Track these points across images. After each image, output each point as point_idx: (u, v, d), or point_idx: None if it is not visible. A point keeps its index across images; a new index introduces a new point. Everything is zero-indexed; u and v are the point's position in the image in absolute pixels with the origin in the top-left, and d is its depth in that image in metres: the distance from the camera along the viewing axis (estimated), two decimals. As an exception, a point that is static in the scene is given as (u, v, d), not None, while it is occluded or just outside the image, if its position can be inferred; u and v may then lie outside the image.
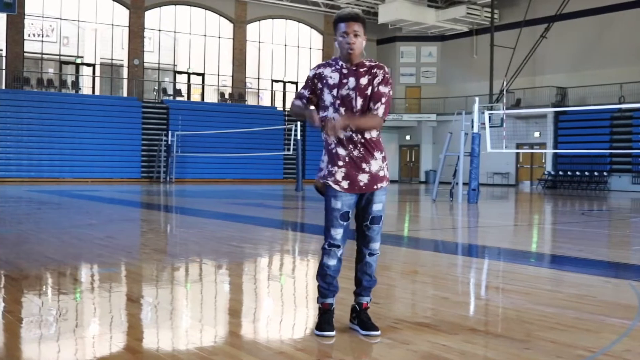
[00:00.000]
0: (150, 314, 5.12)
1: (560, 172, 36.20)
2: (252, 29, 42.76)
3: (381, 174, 4.36)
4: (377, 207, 4.39)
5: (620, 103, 33.48)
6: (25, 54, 35.98)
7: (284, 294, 6.06)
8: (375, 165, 4.34)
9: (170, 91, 40.47)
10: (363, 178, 4.31)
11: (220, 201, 20.29)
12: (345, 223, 4.34)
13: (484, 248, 10.01)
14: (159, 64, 40.48)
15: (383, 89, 4.28)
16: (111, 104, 36.60)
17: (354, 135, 4.27)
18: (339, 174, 4.29)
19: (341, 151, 4.30)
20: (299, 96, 4.47)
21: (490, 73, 38.33)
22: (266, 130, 36.39)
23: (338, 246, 4.35)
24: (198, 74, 41.68)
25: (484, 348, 4.17)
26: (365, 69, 4.31)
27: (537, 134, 38.21)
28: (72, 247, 8.80)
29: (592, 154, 34.16)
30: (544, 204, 22.44)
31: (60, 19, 37.33)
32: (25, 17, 35.60)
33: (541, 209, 20.17)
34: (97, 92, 38.66)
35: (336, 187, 4.30)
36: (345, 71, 4.30)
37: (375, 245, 4.46)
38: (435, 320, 4.85)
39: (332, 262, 4.37)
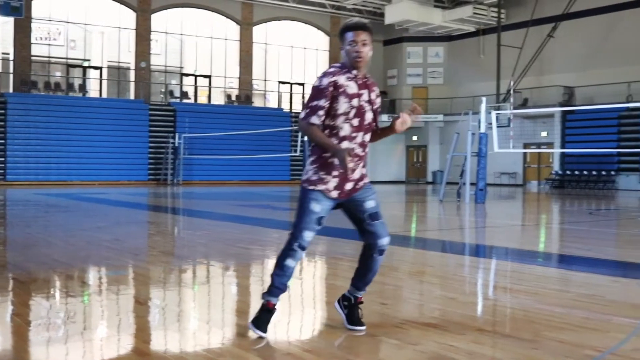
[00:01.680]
0: (158, 316, 5.13)
1: (568, 172, 36.09)
2: (258, 31, 42.79)
3: (361, 174, 4.39)
4: (369, 204, 4.37)
5: (628, 102, 33.33)
6: (32, 58, 36.07)
7: (291, 295, 6.06)
8: (359, 172, 4.36)
9: (177, 93, 40.51)
10: (349, 185, 4.32)
11: (227, 203, 20.31)
12: (318, 228, 4.33)
13: (492, 248, 10.00)
14: (165, 66, 40.55)
15: (379, 105, 4.41)
16: (118, 107, 36.66)
17: (358, 150, 4.29)
18: (332, 184, 4.26)
19: (337, 162, 4.22)
20: (314, 111, 4.20)
21: (497, 73, 38.27)
22: (273, 132, 36.34)
23: (305, 249, 4.34)
24: (205, 76, 41.73)
25: (491, 348, 4.16)
26: (371, 82, 4.37)
27: (544, 134, 38.12)
28: (80, 249, 8.83)
29: (600, 153, 34.05)
30: (551, 203, 22.40)
31: (67, 22, 37.43)
32: (33, 20, 35.68)
33: (549, 208, 20.12)
34: (104, 95, 38.72)
35: (326, 194, 4.27)
36: (359, 81, 4.28)
37: (385, 241, 4.39)
38: (443, 320, 4.85)
39: (294, 263, 4.34)
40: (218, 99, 42.35)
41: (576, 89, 37.33)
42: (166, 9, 39.54)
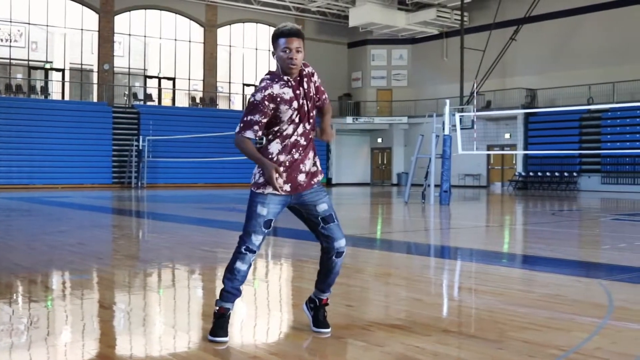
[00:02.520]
0: (123, 321, 5.09)
1: (531, 173, 36.49)
2: (222, 33, 42.67)
3: (314, 169, 4.40)
4: (322, 207, 4.36)
5: (589, 104, 33.86)
6: (-7, 60, 35.61)
7: (257, 298, 6.05)
8: (309, 163, 4.37)
9: (140, 96, 40.24)
10: (302, 177, 4.31)
11: (192, 206, 20.20)
12: (267, 231, 4.30)
13: (457, 249, 10.07)
14: (129, 68, 40.25)
15: (319, 81, 4.43)
16: (81, 109, 36.26)
17: (300, 139, 4.29)
18: (280, 180, 4.20)
19: (282, 157, 4.26)
20: (249, 126, 4.19)
21: (461, 75, 38.57)
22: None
23: (254, 252, 4.30)
24: (169, 79, 41.49)
25: (457, 349, 4.19)
26: (302, 75, 4.32)
27: (507, 136, 38.50)
28: (42, 254, 8.72)
29: (562, 155, 34.51)
30: (515, 204, 22.62)
31: (29, 23, 36.98)
32: (-7, 22, 35.24)
33: (512, 209, 20.32)
34: (66, 98, 38.32)
35: (276, 194, 4.25)
36: (293, 83, 4.26)
37: (341, 243, 4.38)
38: (409, 322, 4.87)
39: (245, 267, 4.31)
40: (182, 102, 42.13)
41: (538, 91, 37.77)
42: (129, 10, 39.26)
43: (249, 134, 4.20)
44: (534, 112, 35.65)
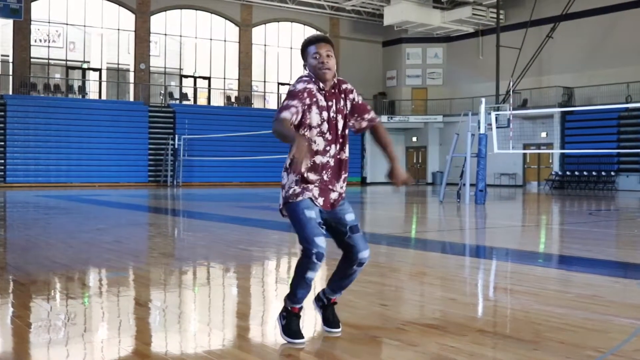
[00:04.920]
0: (159, 318, 5.13)
1: (568, 172, 36.11)
2: (257, 32, 42.82)
3: (342, 190, 4.32)
4: (350, 217, 4.28)
5: (627, 102, 33.39)
6: (32, 60, 36.13)
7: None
8: (340, 185, 4.29)
9: (176, 95, 40.55)
10: (334, 195, 4.26)
11: (227, 204, 20.30)
12: (324, 232, 4.20)
13: (492, 249, 10.00)
14: (165, 68, 40.58)
15: (360, 98, 4.31)
16: (118, 109, 36.68)
17: (330, 161, 4.21)
18: (315, 191, 4.18)
19: (313, 177, 4.19)
20: (287, 108, 4.07)
21: (497, 74, 38.29)
22: (273, 133, 36.22)
23: (323, 256, 4.11)
24: (204, 78, 41.75)
25: (492, 349, 4.16)
26: (339, 89, 4.24)
27: (544, 134, 38.14)
28: (80, 251, 8.82)
29: (600, 154, 34.07)
30: (551, 204, 22.39)
31: (67, 24, 37.45)
32: (32, 22, 35.73)
33: (549, 209, 20.12)
34: (103, 97, 38.77)
35: (313, 200, 4.18)
36: (327, 94, 4.19)
37: (365, 254, 4.28)
38: (444, 321, 4.84)
39: (314, 275, 4.18)
40: (217, 101, 42.37)
41: (575, 89, 37.36)
42: (165, 10, 39.58)
43: (285, 114, 4.04)
44: (571, 110, 35.25)
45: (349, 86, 4.29)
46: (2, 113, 33.26)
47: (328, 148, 4.18)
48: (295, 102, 4.07)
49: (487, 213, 17.23)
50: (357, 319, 4.85)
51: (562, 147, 36.46)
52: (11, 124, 33.31)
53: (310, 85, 4.14)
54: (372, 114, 4.34)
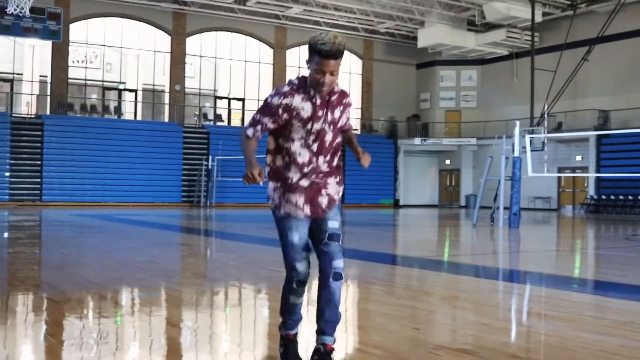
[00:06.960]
0: (190, 338, 5.13)
1: (604, 196, 35.66)
2: (292, 54, 43.05)
3: (336, 197, 4.09)
4: (332, 224, 4.01)
5: (664, 126, 32.96)
6: (69, 80, 36.65)
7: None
8: (333, 188, 4.07)
9: (210, 116, 40.87)
10: (324, 200, 4.02)
11: (260, 225, 20.34)
12: (307, 254, 4.04)
13: (526, 273, 9.88)
14: (199, 89, 40.92)
15: (349, 118, 4.16)
16: (153, 129, 37.06)
17: (322, 166, 4.00)
18: (300, 200, 3.98)
19: (304, 182, 3.97)
20: (253, 124, 3.91)
21: (531, 96, 38.05)
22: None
23: (306, 282, 4.03)
24: (238, 99, 42.04)
25: (526, 375, 4.10)
26: (335, 98, 3.99)
27: (579, 158, 37.77)
28: (113, 270, 8.88)
29: (636, 178, 33.56)
30: (586, 228, 22.12)
31: (104, 45, 37.99)
32: (70, 44, 36.28)
33: (584, 233, 19.88)
34: (139, 117, 39.18)
35: (297, 215, 3.99)
36: (318, 102, 3.90)
37: (339, 263, 3.98)
38: (476, 346, 4.79)
39: (300, 299, 4.12)
40: (251, 122, 42.51)
41: (611, 112, 37.00)
42: (200, 32, 39.96)
43: (249, 131, 3.91)
44: (607, 134, 34.89)
45: (350, 100, 4.10)
46: (40, 133, 33.74)
47: (314, 159, 3.95)
48: (265, 120, 3.88)
49: (521, 237, 17.06)
50: (388, 342, 4.81)
51: (598, 171, 36.06)
52: (48, 143, 33.78)
53: (287, 100, 3.87)
54: (350, 125, 4.22)
